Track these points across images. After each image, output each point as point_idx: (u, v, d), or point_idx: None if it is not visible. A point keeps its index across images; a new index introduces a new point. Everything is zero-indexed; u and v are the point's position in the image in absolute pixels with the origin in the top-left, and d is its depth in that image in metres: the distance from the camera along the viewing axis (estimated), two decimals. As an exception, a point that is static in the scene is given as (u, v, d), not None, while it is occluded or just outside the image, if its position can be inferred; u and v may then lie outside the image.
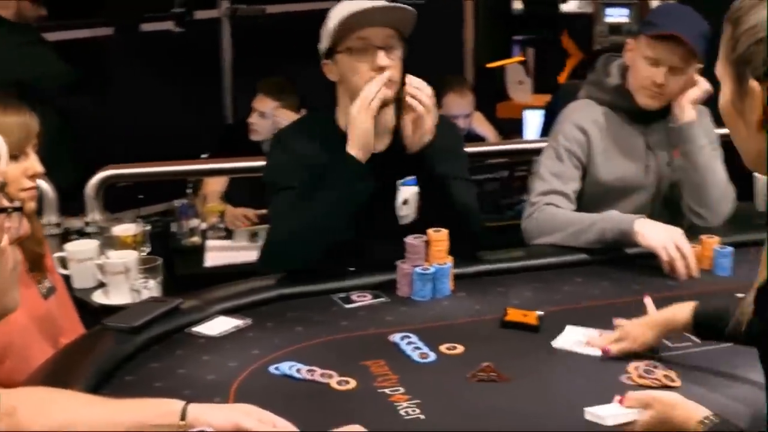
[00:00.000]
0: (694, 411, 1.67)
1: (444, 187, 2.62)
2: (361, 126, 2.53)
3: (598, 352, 2.15)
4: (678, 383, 1.99)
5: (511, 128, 5.77)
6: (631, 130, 3.05)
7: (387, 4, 2.61)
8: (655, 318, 2.13)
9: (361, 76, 2.59)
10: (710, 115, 3.12)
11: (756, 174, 3.43)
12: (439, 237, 2.51)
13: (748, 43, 1.42)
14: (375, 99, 2.52)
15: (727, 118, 1.50)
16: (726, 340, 2.02)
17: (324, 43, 2.66)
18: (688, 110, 2.97)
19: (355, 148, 2.54)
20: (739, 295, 2.00)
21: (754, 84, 1.42)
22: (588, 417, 1.83)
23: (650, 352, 2.12)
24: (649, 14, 2.97)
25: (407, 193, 2.70)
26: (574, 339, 2.22)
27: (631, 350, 2.12)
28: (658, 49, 2.89)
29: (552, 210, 2.90)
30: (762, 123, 1.41)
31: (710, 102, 3.04)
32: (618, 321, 2.23)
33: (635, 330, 2.13)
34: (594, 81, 3.11)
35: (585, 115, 3.05)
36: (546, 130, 6.12)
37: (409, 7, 2.61)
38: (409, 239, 2.51)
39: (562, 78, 6.79)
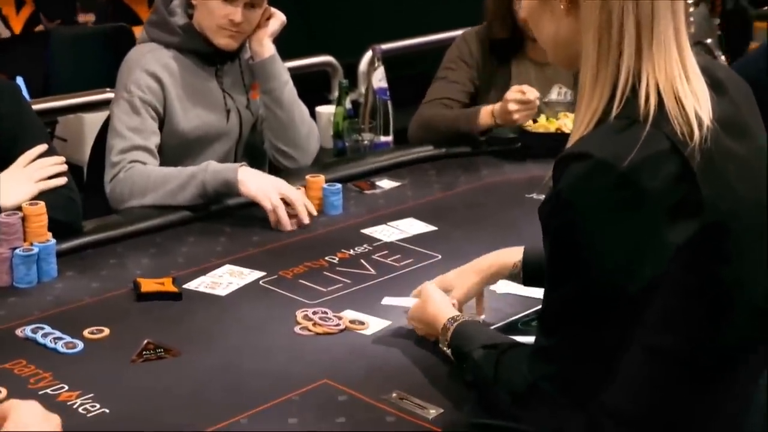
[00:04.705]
0: (444, 310, 1.76)
1: None
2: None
3: None
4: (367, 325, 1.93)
5: None
6: (204, 74, 2.82)
7: None
8: (480, 264, 1.93)
9: None
10: None
11: (318, 109, 3.42)
12: (37, 210, 2.14)
13: None
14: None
15: (534, 18, 1.54)
16: None
17: None
18: (267, 45, 2.81)
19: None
20: None
21: None
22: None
23: None
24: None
25: None
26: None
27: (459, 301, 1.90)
28: None
29: (140, 168, 2.60)
30: (569, 8, 1.45)
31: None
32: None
33: (460, 279, 1.92)
34: (157, 22, 2.81)
35: (154, 60, 2.74)
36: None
37: None
38: (2, 217, 2.11)
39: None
